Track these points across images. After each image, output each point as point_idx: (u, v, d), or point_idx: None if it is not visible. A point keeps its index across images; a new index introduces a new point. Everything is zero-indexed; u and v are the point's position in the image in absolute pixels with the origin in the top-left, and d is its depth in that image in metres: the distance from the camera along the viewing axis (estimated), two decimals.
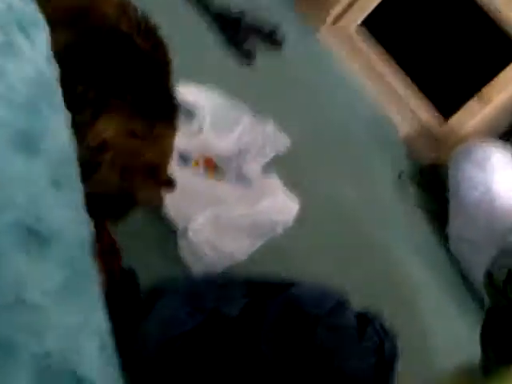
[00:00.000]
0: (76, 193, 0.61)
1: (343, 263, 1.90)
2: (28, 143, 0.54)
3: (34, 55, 0.60)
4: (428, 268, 2.18)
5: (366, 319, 1.57)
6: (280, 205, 1.63)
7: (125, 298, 1.31)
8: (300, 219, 1.73)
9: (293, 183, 1.82)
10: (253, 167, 1.73)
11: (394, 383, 1.50)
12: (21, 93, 0.55)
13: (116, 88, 1.17)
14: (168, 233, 1.57)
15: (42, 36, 0.63)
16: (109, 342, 0.59)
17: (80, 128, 1.13)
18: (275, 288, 1.53)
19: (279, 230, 1.62)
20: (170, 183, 1.27)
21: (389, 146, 2.67)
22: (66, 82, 1.12)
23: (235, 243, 1.56)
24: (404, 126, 2.74)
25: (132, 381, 1.29)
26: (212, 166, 1.80)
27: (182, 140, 1.64)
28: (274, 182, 1.70)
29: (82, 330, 0.55)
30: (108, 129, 1.13)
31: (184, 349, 1.32)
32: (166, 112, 1.24)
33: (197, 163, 1.75)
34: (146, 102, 1.19)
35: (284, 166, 1.87)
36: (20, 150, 0.53)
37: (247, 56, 2.50)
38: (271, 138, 1.77)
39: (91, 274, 0.61)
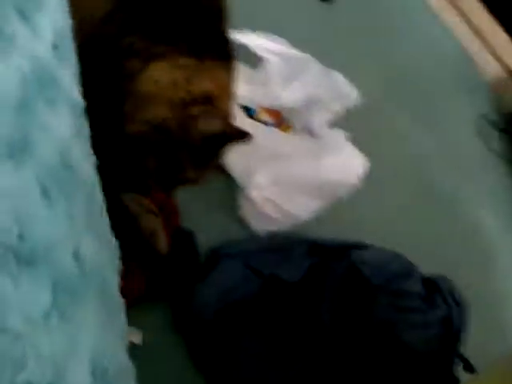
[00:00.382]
0: (73, 201, 0.54)
1: (414, 223, 1.80)
2: (16, 150, 0.48)
3: (33, 45, 0.53)
4: (508, 228, 2.05)
5: (434, 286, 1.49)
6: (346, 163, 1.53)
7: (183, 260, 1.28)
8: (368, 178, 1.64)
9: (361, 139, 1.72)
10: (319, 121, 1.63)
11: (460, 356, 1.42)
12: (10, 94, 0.48)
13: (167, 35, 1.12)
14: (231, 190, 1.50)
15: (45, 19, 0.55)
16: (104, 364, 0.54)
17: (129, 76, 1.09)
18: (338, 251, 1.47)
19: (345, 190, 1.52)
20: (243, 135, 1.21)
21: (471, 91, 2.50)
22: (115, 36, 1.08)
23: (298, 203, 1.48)
24: (489, 70, 2.56)
25: (190, 345, 1.28)
26: (278, 117, 1.72)
27: (247, 90, 1.57)
28: (341, 138, 1.59)
29: (70, 357, 0.50)
30: (158, 73, 1.09)
31: (241, 315, 1.28)
32: (218, 50, 1.19)
33: (262, 114, 1.68)
34: (198, 44, 1.14)
35: (353, 120, 1.76)
36: (5, 159, 0.47)
37: None
38: (340, 91, 1.65)
39: (83, 292, 0.55)
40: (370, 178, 1.67)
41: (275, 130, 1.66)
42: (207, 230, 1.41)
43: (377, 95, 2.02)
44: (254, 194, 1.42)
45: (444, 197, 1.97)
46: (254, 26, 1.71)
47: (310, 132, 1.65)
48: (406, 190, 1.89)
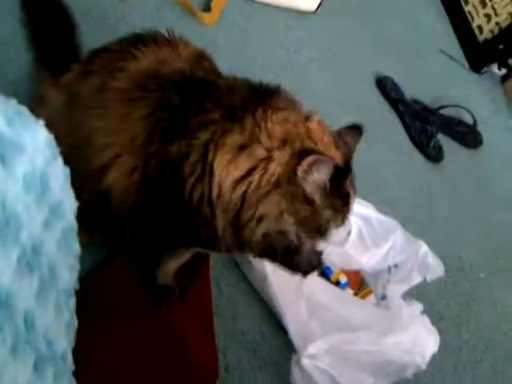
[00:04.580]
0: None
1: None
2: None
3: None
4: None
5: None
6: (416, 342, 1.34)
7: None
8: (444, 351, 1.43)
9: (439, 315, 1.54)
10: (394, 291, 1.48)
11: None
12: None
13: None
14: (285, 351, 1.37)
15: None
16: None
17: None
18: None
19: (409, 372, 1.33)
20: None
21: None
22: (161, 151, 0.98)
23: (355, 379, 1.32)
24: None
25: None
26: (357, 280, 1.59)
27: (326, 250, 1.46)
28: (416, 313, 1.41)
29: None
30: (228, 173, 0.97)
31: None
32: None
33: (339, 275, 1.56)
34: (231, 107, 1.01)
35: (432, 293, 1.60)
36: None
37: (434, 153, 2.21)
38: (423, 262, 1.49)
39: None
40: (446, 351, 1.47)
41: (348, 294, 1.52)
42: None
43: (474, 265, 1.85)
44: (306, 362, 1.28)
45: None
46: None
47: (384, 301, 1.50)
48: (494, 373, 1.65)
